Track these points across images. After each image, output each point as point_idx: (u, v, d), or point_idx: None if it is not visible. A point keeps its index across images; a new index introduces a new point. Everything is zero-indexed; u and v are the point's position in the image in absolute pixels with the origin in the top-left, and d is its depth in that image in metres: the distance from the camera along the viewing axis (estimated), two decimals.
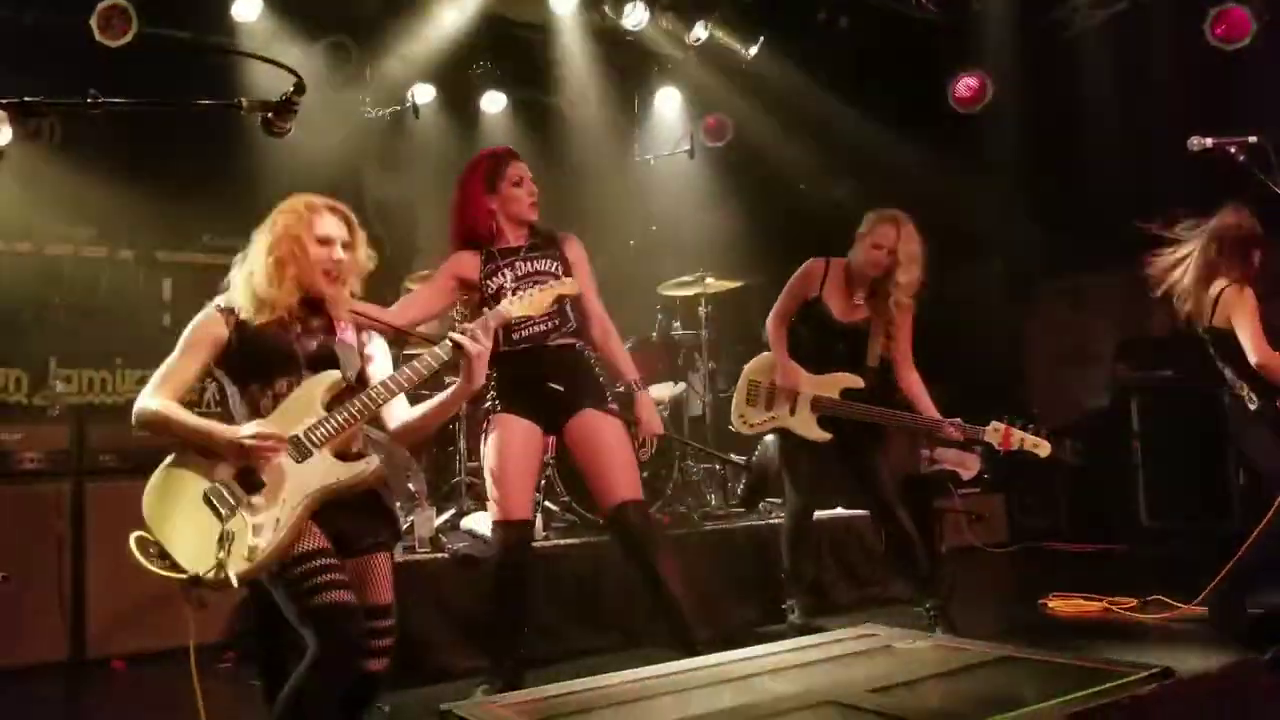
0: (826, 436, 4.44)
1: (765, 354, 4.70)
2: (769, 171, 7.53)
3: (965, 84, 7.04)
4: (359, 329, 2.98)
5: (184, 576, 2.42)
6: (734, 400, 4.79)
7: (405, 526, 4.60)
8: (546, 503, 5.17)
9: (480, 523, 4.82)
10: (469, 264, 3.75)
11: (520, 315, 3.07)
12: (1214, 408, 6.21)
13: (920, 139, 7.05)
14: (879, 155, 7.08)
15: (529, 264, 3.73)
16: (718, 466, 6.01)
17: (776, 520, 5.48)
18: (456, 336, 2.79)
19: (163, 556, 2.45)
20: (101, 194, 5.58)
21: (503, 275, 3.68)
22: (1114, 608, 4.72)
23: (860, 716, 1.68)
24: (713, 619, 4.76)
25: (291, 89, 2.21)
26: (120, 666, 4.31)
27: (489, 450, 3.67)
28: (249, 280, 2.76)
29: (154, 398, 2.66)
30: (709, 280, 5.97)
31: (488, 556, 4.47)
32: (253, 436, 2.56)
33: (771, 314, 4.63)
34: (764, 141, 7.48)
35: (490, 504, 3.72)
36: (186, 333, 2.77)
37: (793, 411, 4.54)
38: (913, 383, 4.44)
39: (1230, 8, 6.16)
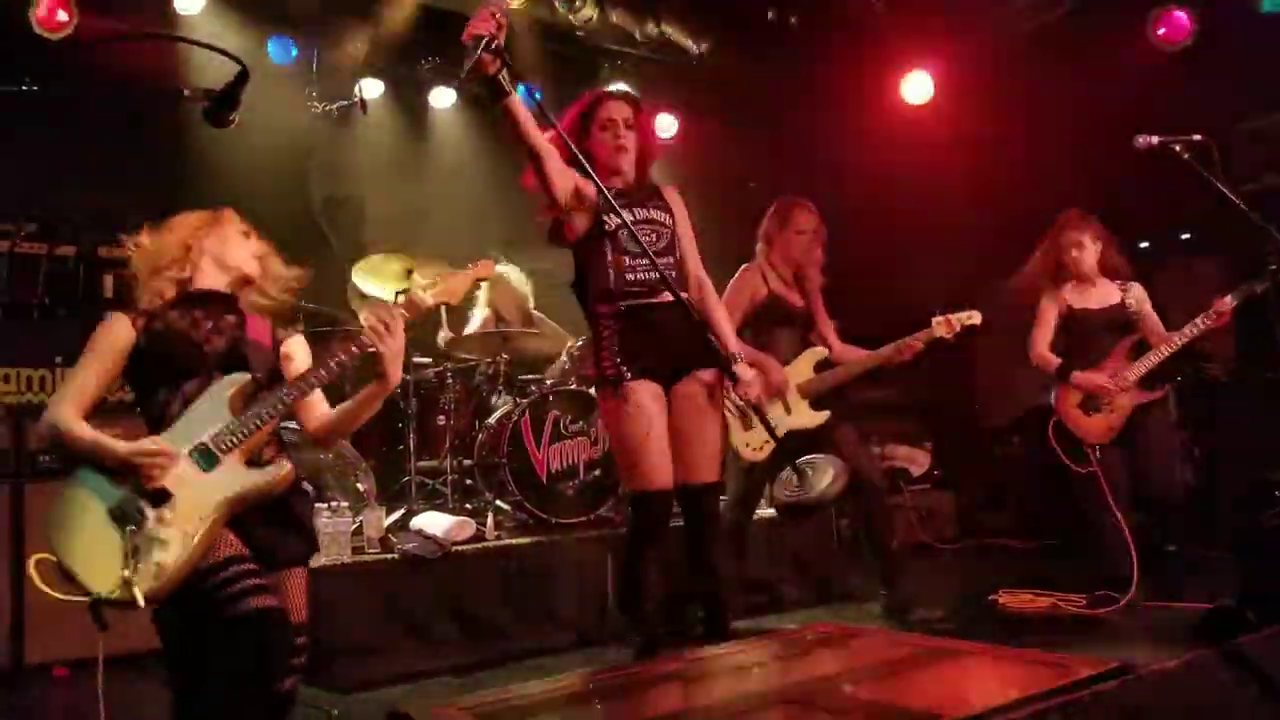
0: (826, 414, 4.57)
1: None
2: (719, 168, 7.52)
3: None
4: (274, 328, 2.89)
5: (85, 599, 2.32)
6: (732, 439, 4.52)
7: (354, 526, 4.53)
8: (498, 502, 5.12)
9: (430, 522, 4.76)
10: (587, 185, 3.50)
11: (432, 305, 2.85)
12: (1160, 402, 6.31)
13: (872, 138, 7.09)
14: (828, 150, 7.11)
15: (646, 209, 3.60)
16: None
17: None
18: (368, 338, 2.66)
19: (67, 579, 2.35)
20: (42, 189, 5.42)
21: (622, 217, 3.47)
22: (1062, 603, 4.77)
23: (818, 715, 1.66)
24: (668, 615, 4.76)
25: (234, 78, 2.14)
26: (62, 673, 4.19)
27: (624, 418, 3.46)
28: (155, 264, 2.74)
29: (59, 413, 2.56)
30: None
31: (437, 557, 4.44)
32: (136, 453, 2.47)
33: None
34: (715, 138, 7.47)
35: (626, 474, 3.60)
36: (95, 340, 2.68)
37: (788, 410, 4.58)
38: (845, 346, 4.75)
39: (1171, 9, 6.27)
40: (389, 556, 4.42)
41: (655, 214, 3.62)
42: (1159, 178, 5.60)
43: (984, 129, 6.76)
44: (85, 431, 2.54)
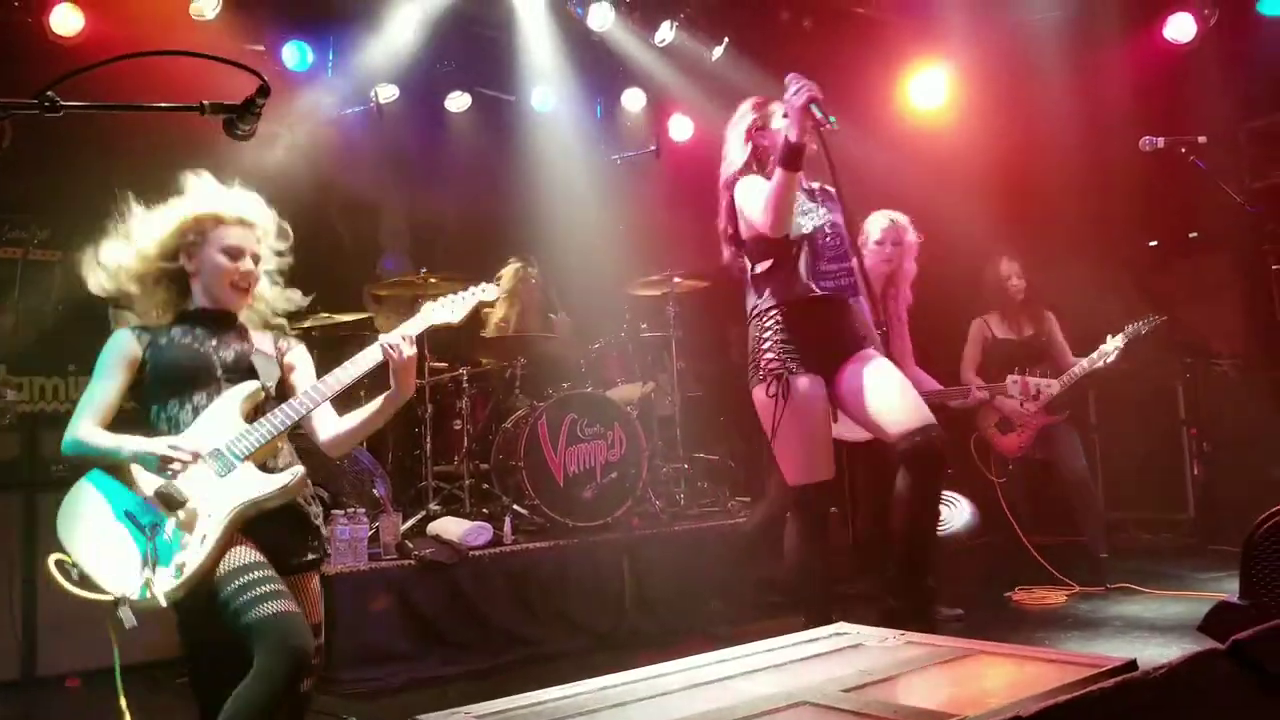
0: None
1: None
2: None
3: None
4: (277, 339, 2.95)
5: (109, 598, 2.34)
6: None
7: (371, 533, 4.56)
8: (515, 506, 5.16)
9: (447, 527, 4.79)
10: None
11: (441, 323, 2.99)
12: (1170, 399, 6.33)
13: (882, 140, 7.09)
14: (841, 153, 7.10)
15: (830, 212, 3.57)
16: (686, 466, 6.02)
17: (747, 519, 5.51)
18: (383, 346, 2.79)
19: (84, 579, 2.38)
20: (55, 197, 5.47)
21: (814, 215, 3.52)
22: (1075, 598, 4.81)
23: (837, 716, 1.69)
24: (686, 617, 4.81)
25: (255, 91, 2.18)
26: (74, 684, 4.22)
27: (787, 413, 3.39)
28: (150, 286, 2.77)
29: (79, 430, 2.62)
30: (676, 280, 5.98)
31: (454, 562, 4.47)
32: (161, 445, 2.53)
33: None
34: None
35: (786, 466, 3.52)
36: (102, 357, 2.73)
37: (836, 418, 4.53)
38: (918, 371, 4.76)
39: (1177, 10, 6.27)
40: (406, 562, 4.45)
41: (834, 215, 3.57)
42: (1167, 177, 5.61)
43: (991, 130, 6.76)
44: (103, 436, 2.60)
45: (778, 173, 3.26)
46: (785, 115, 3.26)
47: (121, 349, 2.73)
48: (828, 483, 3.50)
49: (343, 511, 4.45)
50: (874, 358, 3.50)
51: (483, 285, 3.14)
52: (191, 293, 2.83)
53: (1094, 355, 5.17)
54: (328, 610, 4.09)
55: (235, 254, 2.79)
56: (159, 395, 2.71)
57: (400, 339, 2.80)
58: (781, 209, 3.31)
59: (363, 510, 4.59)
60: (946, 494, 3.75)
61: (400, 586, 4.35)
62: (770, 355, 3.45)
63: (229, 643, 2.41)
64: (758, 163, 3.61)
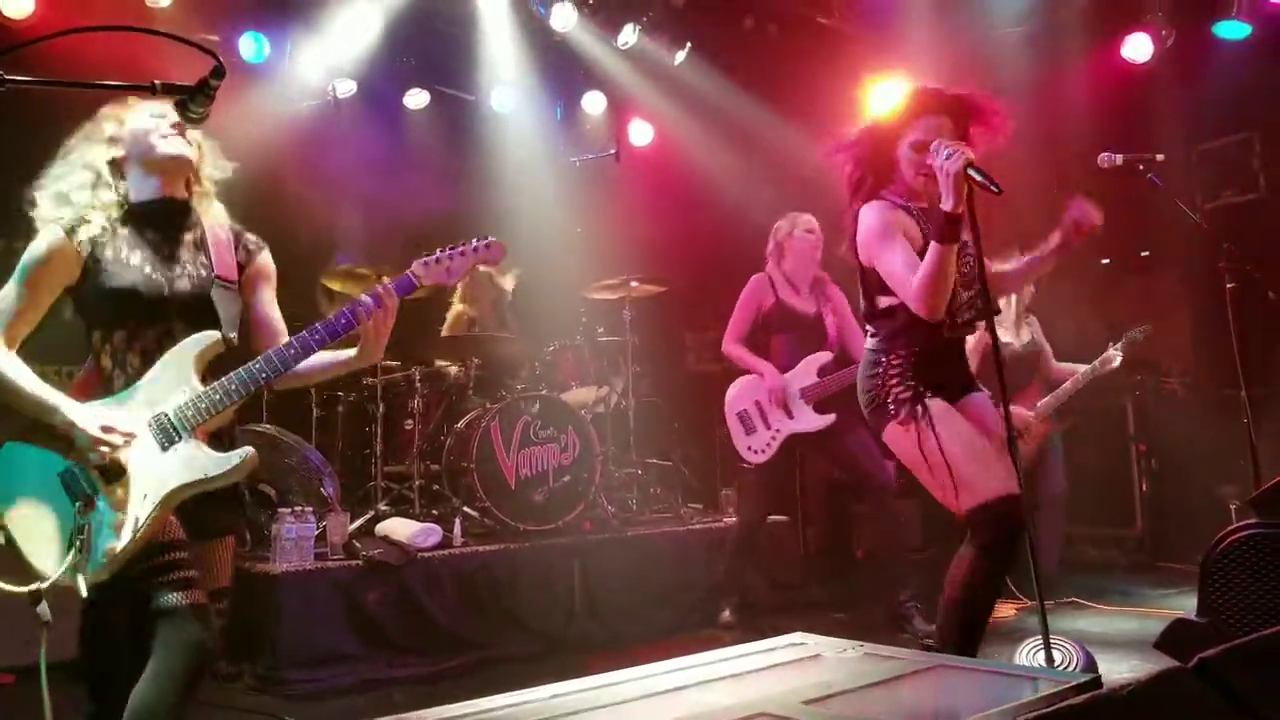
0: (831, 417, 4.68)
1: (735, 383, 4.90)
2: (694, 177, 7.55)
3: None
4: (237, 236, 2.59)
5: (24, 591, 2.13)
6: (733, 439, 4.89)
7: (318, 532, 4.47)
8: (466, 508, 5.09)
9: (396, 528, 4.72)
10: (906, 221, 3.07)
11: (434, 284, 2.64)
12: (1119, 416, 6.41)
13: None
14: (801, 163, 7.13)
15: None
16: (639, 471, 5.98)
17: (699, 526, 5.49)
18: (374, 295, 2.50)
19: (9, 543, 2.18)
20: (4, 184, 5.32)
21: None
22: (1024, 612, 4.83)
23: None
24: (636, 623, 4.77)
25: (209, 73, 2.10)
26: (8, 680, 4.09)
27: (947, 433, 2.95)
28: (87, 189, 2.44)
29: None
30: (633, 284, 5.95)
31: (402, 563, 4.40)
32: (101, 429, 2.22)
33: (728, 339, 4.87)
34: (689, 147, 7.49)
35: (955, 492, 2.97)
36: (26, 259, 2.34)
37: (790, 414, 4.73)
38: None
39: (1135, 30, 6.38)
40: (353, 563, 4.36)
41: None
42: (1119, 195, 5.67)
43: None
44: (33, 383, 2.28)
45: (934, 249, 2.84)
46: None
47: (50, 255, 2.34)
48: (1015, 497, 2.90)
49: (289, 510, 4.37)
50: (988, 405, 3.17)
51: (487, 239, 2.70)
52: (131, 188, 2.48)
53: (1097, 363, 5.03)
54: (273, 609, 4.04)
55: (158, 115, 2.47)
56: (103, 320, 2.39)
57: (383, 289, 2.50)
58: (942, 291, 2.89)
59: (310, 509, 4.50)
60: (1057, 640, 3.36)
61: (347, 587, 4.26)
62: (900, 388, 3.04)
63: (131, 626, 2.23)
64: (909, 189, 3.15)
